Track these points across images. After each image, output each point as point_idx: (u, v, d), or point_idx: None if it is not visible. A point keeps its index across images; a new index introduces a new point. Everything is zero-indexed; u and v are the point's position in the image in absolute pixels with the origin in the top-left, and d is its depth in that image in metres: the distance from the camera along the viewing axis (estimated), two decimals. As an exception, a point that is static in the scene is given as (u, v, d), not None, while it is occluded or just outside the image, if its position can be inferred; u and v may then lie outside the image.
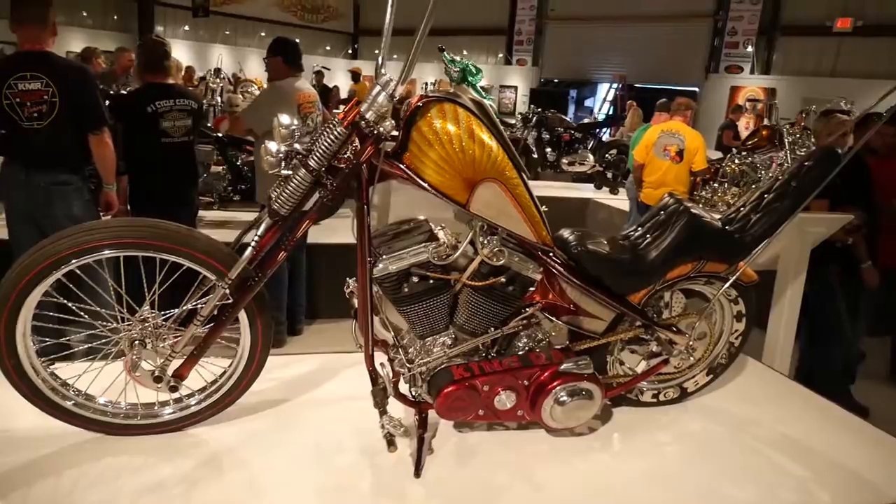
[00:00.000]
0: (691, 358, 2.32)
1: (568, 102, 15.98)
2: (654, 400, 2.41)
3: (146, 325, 1.83)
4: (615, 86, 14.79)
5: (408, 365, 1.98)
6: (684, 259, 2.12)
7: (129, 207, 3.91)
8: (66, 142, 3.25)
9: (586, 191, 8.31)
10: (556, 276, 2.03)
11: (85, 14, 16.31)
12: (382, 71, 1.76)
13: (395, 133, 1.78)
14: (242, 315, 1.91)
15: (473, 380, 1.95)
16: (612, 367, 2.29)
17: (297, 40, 4.10)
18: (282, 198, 1.77)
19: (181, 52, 16.86)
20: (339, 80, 20.79)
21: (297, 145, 1.79)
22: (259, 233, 1.81)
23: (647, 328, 2.18)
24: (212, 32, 18.76)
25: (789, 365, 3.20)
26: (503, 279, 1.97)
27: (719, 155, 7.83)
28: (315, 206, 1.80)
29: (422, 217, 2.05)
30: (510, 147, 1.85)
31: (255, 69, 17.51)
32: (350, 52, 21.94)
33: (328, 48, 21.26)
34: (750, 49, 13.54)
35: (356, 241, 1.87)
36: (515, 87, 17.68)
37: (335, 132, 1.74)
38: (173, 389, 1.86)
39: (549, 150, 8.16)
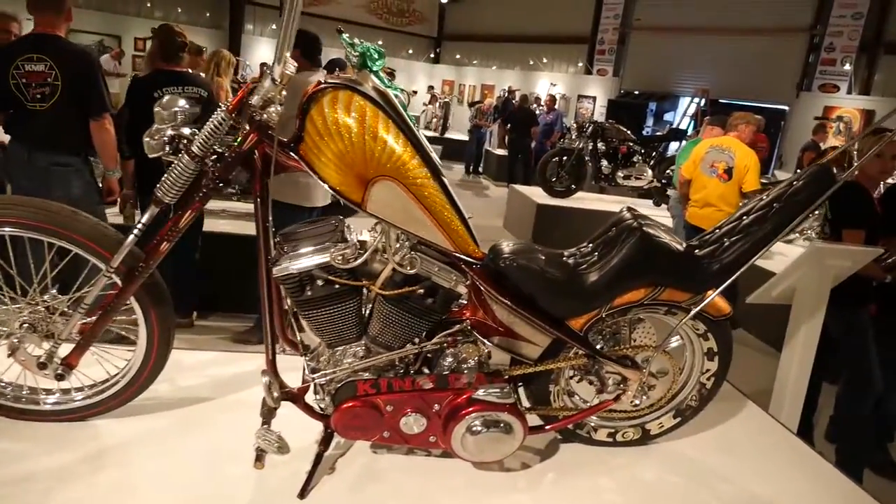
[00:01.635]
0: (647, 397, 2.04)
1: (646, 115, 15.36)
2: (610, 440, 2.15)
3: (36, 308, 1.76)
4: (696, 100, 14.03)
5: (312, 374, 1.83)
6: (634, 283, 1.86)
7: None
8: (68, 124, 3.30)
9: (643, 207, 7.86)
10: (483, 293, 1.82)
11: (180, 10, 17.14)
12: (288, 55, 1.59)
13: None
14: (137, 308, 1.81)
15: (376, 398, 1.77)
16: (557, 399, 2.05)
17: (317, 34, 4.03)
18: (166, 184, 1.66)
19: (267, 49, 17.44)
20: (420, 83, 20.97)
21: (185, 130, 1.68)
22: (144, 220, 1.71)
23: (591, 359, 1.93)
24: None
25: (798, 417, 2.81)
26: (421, 290, 1.79)
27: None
28: (199, 195, 1.68)
29: (341, 217, 1.88)
30: (420, 143, 1.66)
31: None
32: (432, 56, 22.04)
33: (409, 52, 21.44)
34: (848, 67, 12.52)
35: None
36: (594, 98, 17.18)
37: (218, 118, 1.62)
38: (59, 378, 1.79)
39: (604, 162, 7.79)
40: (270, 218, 1.75)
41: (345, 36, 1.65)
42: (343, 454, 1.95)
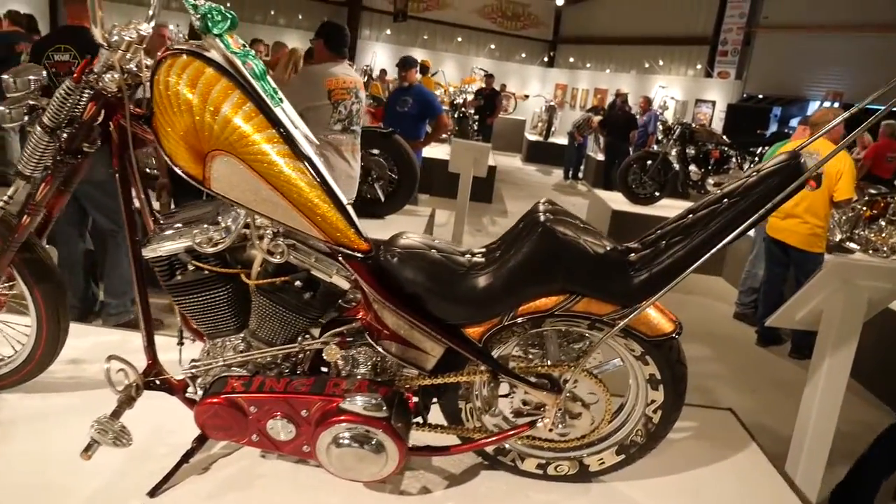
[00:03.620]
0: (573, 426, 1.73)
1: (769, 121, 14.06)
2: (540, 471, 1.85)
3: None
4: (828, 104, 12.67)
5: (186, 365, 1.70)
6: (536, 288, 1.57)
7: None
8: None
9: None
10: (365, 290, 1.61)
11: (301, 17, 17.98)
12: (100, 14, 1.47)
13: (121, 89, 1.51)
14: (22, 285, 1.77)
15: (238, 396, 1.61)
16: (470, 418, 1.79)
17: (343, 26, 3.95)
18: (24, 157, 1.59)
19: (382, 54, 17.87)
20: (532, 87, 20.63)
21: (44, 101, 1.61)
22: (9, 193, 1.65)
23: (492, 375, 1.65)
24: (412, 36, 19.63)
25: (818, 481, 2.31)
26: (299, 283, 1.61)
27: None
28: (53, 167, 1.61)
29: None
30: (276, 118, 1.48)
31: (450, 73, 18.03)
32: (546, 59, 21.61)
33: (523, 55, 21.15)
34: None
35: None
36: (713, 103, 16.03)
37: (64, 88, 1.53)
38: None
39: (693, 167, 7.15)
40: (141, 195, 1.64)
41: (188, -1, 1.50)
42: (228, 455, 1.81)
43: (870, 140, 9.80)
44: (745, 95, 15.27)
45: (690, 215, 1.57)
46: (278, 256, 1.57)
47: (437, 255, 1.61)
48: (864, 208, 5.42)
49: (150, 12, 1.56)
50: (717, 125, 15.67)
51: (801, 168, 1.45)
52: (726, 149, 7.11)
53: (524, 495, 1.80)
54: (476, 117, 10.44)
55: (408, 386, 1.69)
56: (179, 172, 1.47)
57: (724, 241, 1.47)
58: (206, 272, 1.60)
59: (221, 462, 1.78)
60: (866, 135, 10.11)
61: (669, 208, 7.22)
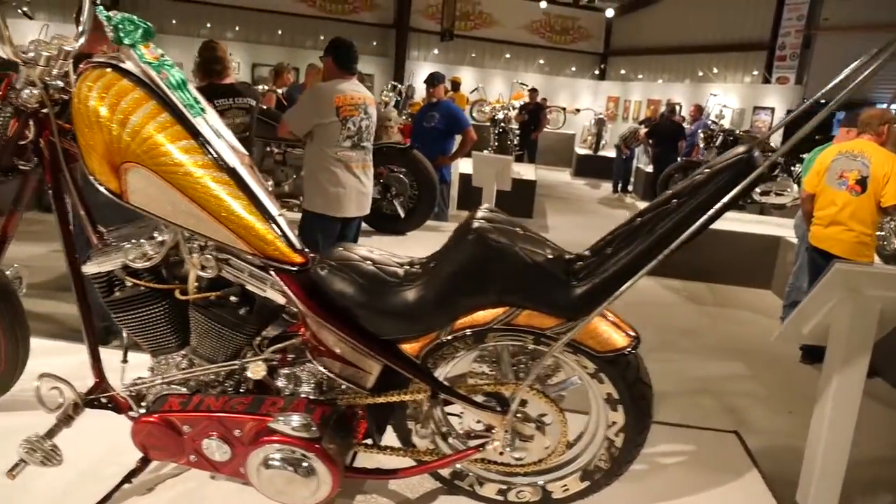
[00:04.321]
0: (526, 450, 1.60)
1: (833, 126, 13.32)
2: (500, 497, 1.73)
3: None
4: (893, 107, 11.94)
5: (126, 383, 1.68)
6: (472, 301, 1.46)
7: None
8: None
9: (789, 227, 6.78)
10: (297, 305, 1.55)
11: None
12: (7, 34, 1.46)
13: (44, 104, 1.50)
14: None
15: (172, 415, 1.57)
16: (422, 439, 1.69)
17: (352, 43, 3.95)
18: (-40, 173, 1.61)
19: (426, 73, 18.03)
20: (584, 100, 20.35)
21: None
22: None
23: (433, 394, 1.55)
24: (460, 55, 19.72)
25: None
26: (234, 298, 1.57)
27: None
28: None
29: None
30: (195, 129, 1.44)
31: (497, 89, 18.01)
32: (597, 72, 21.30)
33: (573, 69, 20.93)
34: None
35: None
36: (772, 109, 15.37)
37: None
38: None
39: (738, 176, 6.81)
40: (80, 211, 1.63)
41: (100, 9, 1.48)
42: (175, 476, 1.77)
43: (939, 142, 9.16)
44: (805, 101, 14.58)
45: (639, 219, 1.44)
46: (210, 271, 1.53)
47: (369, 268, 1.53)
48: (922, 214, 5.02)
49: (80, 28, 1.55)
50: (777, 133, 15.02)
51: (754, 162, 1.30)
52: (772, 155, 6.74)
53: (479, 525, 1.68)
54: (518, 132, 10.29)
55: (348, 405, 1.60)
56: (99, 187, 1.44)
57: (671, 246, 1.33)
58: (143, 288, 1.58)
59: (168, 483, 1.74)
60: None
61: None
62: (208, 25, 17.04)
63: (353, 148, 3.84)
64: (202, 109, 1.50)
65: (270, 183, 4.85)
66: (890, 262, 5.28)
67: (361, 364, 1.55)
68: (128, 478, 1.66)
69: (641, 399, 1.54)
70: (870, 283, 1.90)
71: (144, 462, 1.69)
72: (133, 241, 1.56)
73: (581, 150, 15.93)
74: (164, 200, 1.43)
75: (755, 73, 15.91)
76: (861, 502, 2.94)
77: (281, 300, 1.56)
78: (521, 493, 1.70)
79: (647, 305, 5.62)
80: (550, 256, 1.45)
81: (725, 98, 16.34)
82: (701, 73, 17.06)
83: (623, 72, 20.36)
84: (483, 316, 1.47)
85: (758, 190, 6.83)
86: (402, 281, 1.50)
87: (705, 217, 1.31)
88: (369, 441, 1.69)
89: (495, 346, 1.55)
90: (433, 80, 6.33)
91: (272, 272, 1.52)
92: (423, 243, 4.65)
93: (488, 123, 11.15)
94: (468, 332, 1.48)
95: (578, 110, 19.08)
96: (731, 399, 3.92)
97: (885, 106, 12.34)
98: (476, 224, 1.45)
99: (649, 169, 12.42)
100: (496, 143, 9.42)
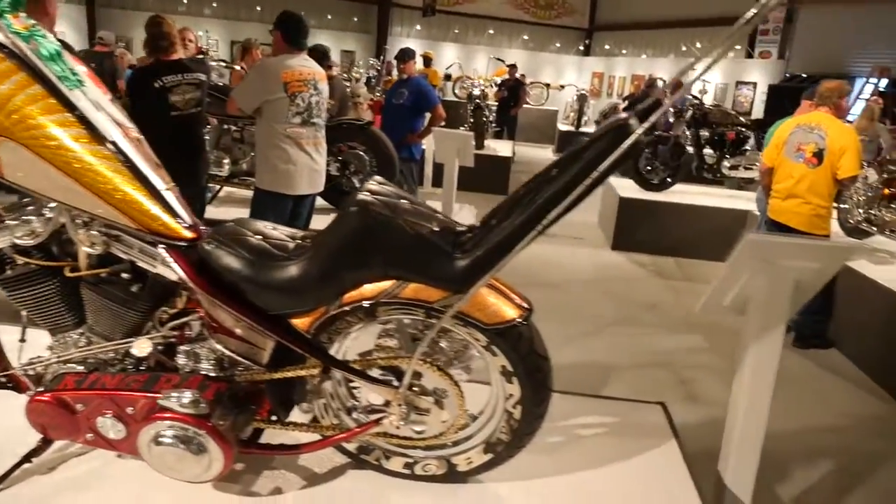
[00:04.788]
0: (424, 424, 1.60)
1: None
2: (408, 471, 1.73)
3: None
4: (873, 81, 11.91)
5: (22, 363, 1.66)
6: (357, 274, 1.45)
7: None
8: None
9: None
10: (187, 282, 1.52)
11: (330, 17, 18.11)
12: None
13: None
14: None
15: (65, 394, 1.56)
16: (325, 415, 1.68)
17: (302, 14, 3.87)
18: None
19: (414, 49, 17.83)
20: (569, 76, 20.21)
21: None
22: None
23: (324, 369, 1.54)
24: (443, 31, 19.51)
25: (751, 483, 2.09)
26: (126, 275, 1.54)
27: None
28: None
29: None
30: (69, 101, 1.40)
31: (482, 65, 17.82)
32: (582, 48, 21.13)
33: (558, 45, 20.75)
34: None
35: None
36: (754, 84, 15.33)
37: None
38: None
39: (708, 150, 6.81)
40: None
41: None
42: (81, 455, 1.76)
43: (910, 115, 9.16)
44: (787, 75, 14.53)
45: (521, 189, 1.42)
46: (97, 247, 1.50)
47: (257, 242, 1.51)
48: (882, 186, 5.02)
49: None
50: (759, 107, 14.99)
51: (628, 129, 1.28)
52: (743, 130, 6.74)
53: (385, 499, 1.68)
54: (497, 109, 10.15)
55: (246, 382, 1.59)
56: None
57: (552, 215, 1.32)
58: (33, 266, 1.55)
59: (72, 462, 1.73)
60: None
61: (683, 194, 6.90)
62: (184, 1, 16.76)
63: (304, 124, 3.79)
64: (79, 81, 1.46)
65: (227, 160, 4.80)
66: (853, 235, 5.30)
67: (254, 340, 1.53)
68: (27, 457, 1.65)
69: (537, 371, 1.54)
70: (783, 254, 1.89)
71: (46, 442, 1.68)
72: (22, 217, 1.53)
73: (563, 127, 15.86)
74: (39, 175, 1.40)
75: (738, 47, 15.82)
76: (795, 469, 2.98)
77: (171, 276, 1.54)
78: (427, 465, 1.70)
79: (612, 280, 5.64)
80: (436, 229, 1.43)
81: (708, 73, 16.25)
82: (684, 48, 16.95)
83: (607, 47, 20.23)
84: (371, 290, 1.45)
85: (727, 163, 6.83)
86: (288, 255, 1.48)
87: (582, 186, 1.29)
88: (274, 417, 1.68)
89: (389, 319, 1.54)
90: (404, 56, 6.22)
91: (161, 248, 1.49)
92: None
93: (465, 100, 11.06)
94: (357, 306, 1.47)
95: (563, 86, 18.95)
96: (686, 371, 3.95)
97: (866, 80, 12.34)
98: (360, 196, 1.43)
99: (629, 145, 12.37)
100: (471, 120, 9.34)
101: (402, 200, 1.48)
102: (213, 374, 1.59)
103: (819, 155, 4.22)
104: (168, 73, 3.83)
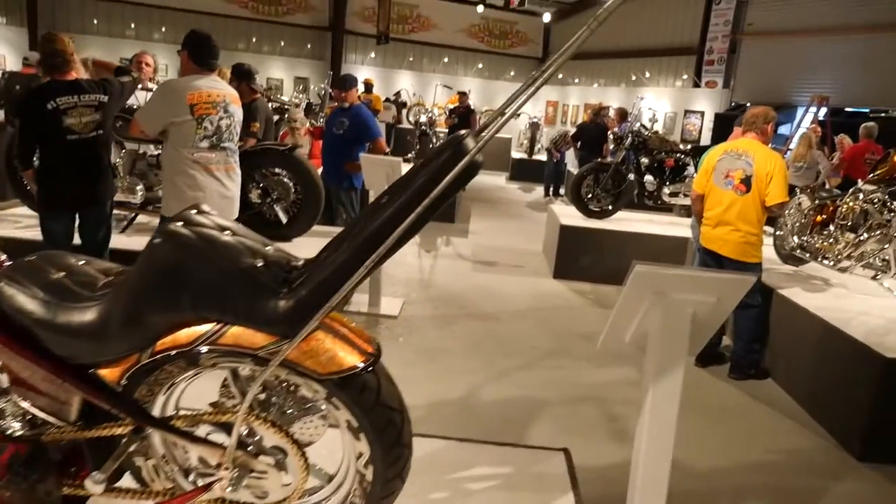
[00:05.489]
0: (262, 490, 1.39)
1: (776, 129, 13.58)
2: (259, 539, 1.50)
3: None
4: (812, 110, 12.23)
5: None
6: (167, 315, 1.25)
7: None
8: None
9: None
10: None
11: (283, 44, 17.96)
12: None
13: None
14: None
15: None
16: (155, 477, 1.46)
17: (210, 36, 3.67)
18: None
19: (366, 76, 17.76)
20: (525, 106, 20.33)
21: None
22: None
23: (136, 427, 1.33)
24: (398, 58, 19.53)
25: None
26: None
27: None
28: None
29: None
30: None
31: (439, 93, 17.81)
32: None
33: (512, 73, 20.97)
34: None
35: None
36: (702, 113, 15.64)
37: None
38: None
39: (649, 177, 6.79)
40: None
41: None
42: None
43: (849, 142, 9.37)
44: (732, 104, 14.87)
45: (360, 218, 1.25)
46: None
47: (57, 279, 1.30)
48: (814, 213, 5.02)
49: None
50: (707, 135, 15.26)
51: (463, 149, 1.12)
52: (682, 156, 6.74)
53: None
54: (432, 137, 10.02)
55: (54, 441, 1.36)
56: None
57: (386, 244, 1.14)
58: None
59: None
60: (846, 137, 9.69)
61: (626, 221, 6.86)
62: (132, 26, 16.43)
63: (213, 149, 3.59)
64: None
65: (140, 187, 4.54)
66: (788, 262, 5.28)
67: (58, 394, 1.32)
68: None
69: (387, 426, 1.35)
70: (675, 287, 1.76)
71: None
72: None
73: (517, 154, 15.91)
74: None
75: (685, 77, 16.18)
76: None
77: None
78: (277, 534, 1.49)
79: (550, 310, 5.50)
80: (260, 264, 1.24)
81: (658, 102, 16.58)
82: (634, 78, 17.26)
83: (560, 76, 20.46)
84: (186, 335, 1.25)
85: (667, 190, 6.82)
86: (92, 295, 1.28)
87: (415, 213, 1.12)
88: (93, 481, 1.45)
89: (218, 368, 1.34)
90: (344, 84, 6.05)
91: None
92: (310, 249, 4.41)
93: (413, 126, 10.99)
94: (173, 353, 1.26)
95: (518, 114, 19.10)
96: (618, 407, 3.79)
97: (806, 109, 12.66)
98: (170, 226, 1.24)
99: (579, 172, 12.43)
100: (418, 147, 9.23)
101: (224, 232, 1.29)
102: (20, 433, 1.36)
103: (747, 182, 4.17)
104: (62, 93, 3.61)
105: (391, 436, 1.35)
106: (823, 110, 12.33)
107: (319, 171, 6.23)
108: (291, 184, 4.56)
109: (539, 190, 13.23)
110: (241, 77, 5.28)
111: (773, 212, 4.19)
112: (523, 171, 14.88)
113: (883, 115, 4.94)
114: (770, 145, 11.16)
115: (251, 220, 4.61)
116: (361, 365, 1.28)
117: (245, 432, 1.34)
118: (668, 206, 7.08)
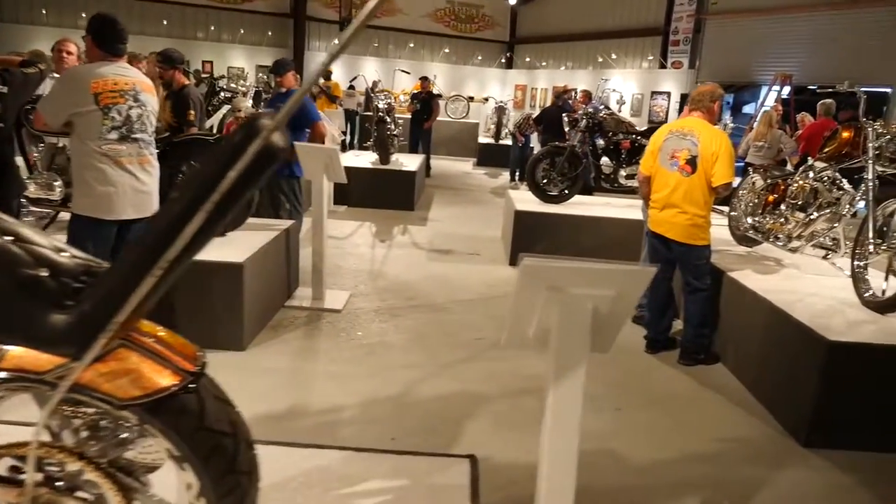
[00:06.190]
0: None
1: (722, 109, 13.54)
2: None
3: None
4: (775, 88, 12.19)
5: None
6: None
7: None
8: None
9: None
10: None
11: (242, 31, 17.53)
12: None
13: None
14: None
15: None
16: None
17: (116, 19, 3.43)
18: None
19: (334, 65, 17.37)
20: (492, 88, 20.16)
21: None
22: None
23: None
24: (363, 45, 19.16)
25: None
26: None
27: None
28: None
29: None
30: None
31: (404, 80, 17.50)
32: (504, 60, 21.16)
33: (479, 58, 20.73)
34: (964, 36, 10.27)
35: None
36: (668, 93, 15.56)
37: None
38: None
39: (605, 160, 6.66)
40: None
41: None
42: None
43: (810, 120, 9.32)
44: (698, 84, 14.80)
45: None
46: None
47: None
48: (767, 193, 4.92)
49: None
50: (673, 116, 15.19)
51: (256, 130, 0.94)
52: (639, 138, 6.61)
53: None
54: (388, 125, 9.53)
55: None
56: None
57: (173, 249, 0.96)
58: None
59: None
60: (807, 115, 9.65)
61: (583, 205, 6.72)
62: (84, 16, 15.88)
63: (123, 140, 3.36)
64: None
65: (59, 183, 4.29)
66: (742, 243, 5.18)
67: None
68: None
69: (214, 453, 1.17)
70: (569, 281, 1.60)
71: None
72: None
73: (484, 140, 15.73)
74: None
75: (650, 58, 16.08)
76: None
77: None
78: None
79: (502, 299, 5.35)
80: (44, 273, 1.05)
81: (625, 84, 16.47)
82: (601, 60, 17.12)
83: (528, 59, 20.31)
84: (-43, 358, 1.07)
85: (623, 172, 6.69)
86: None
87: (205, 209, 0.94)
88: None
89: (12, 396, 1.15)
90: (278, 69, 5.85)
91: None
92: (246, 243, 4.20)
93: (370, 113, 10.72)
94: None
95: (487, 99, 18.88)
96: (559, 398, 3.65)
97: (769, 88, 12.62)
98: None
99: (544, 156, 12.28)
100: (375, 135, 9.01)
101: (4, 237, 1.09)
102: None
103: (692, 162, 4.04)
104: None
105: (220, 464, 1.18)
106: (787, 89, 12.32)
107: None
108: (222, 175, 4.33)
109: (506, 175, 13.07)
110: (169, 63, 5.03)
111: (720, 192, 4.06)
112: (490, 157, 14.71)
113: (830, 90, 4.81)
114: (732, 124, 11.10)
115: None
116: (174, 385, 1.10)
117: (59, 468, 1.16)
118: (627, 189, 6.96)
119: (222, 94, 9.38)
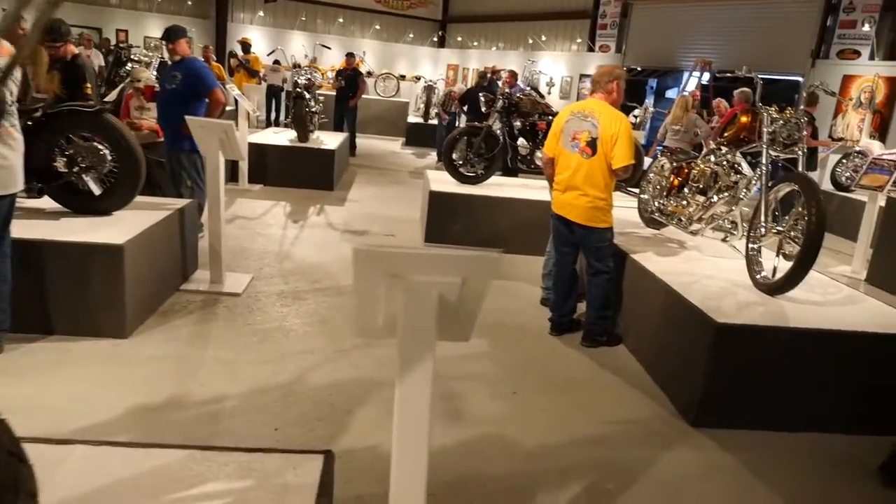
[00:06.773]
0: None
1: (646, 93, 13.84)
2: None
3: None
4: (696, 74, 12.48)
5: None
6: None
7: None
8: None
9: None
10: None
11: (160, 0, 16.68)
12: None
13: None
14: None
15: None
16: None
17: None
18: None
19: (257, 38, 16.75)
20: (424, 67, 19.93)
21: None
22: None
23: None
24: (290, 18, 18.58)
25: None
26: None
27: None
28: None
29: None
30: None
31: (332, 55, 17.03)
32: (436, 39, 20.93)
33: (411, 36, 20.43)
34: (867, 28, 10.73)
35: None
36: (596, 77, 15.77)
37: None
38: None
39: (521, 141, 6.61)
40: None
41: None
42: None
43: (726, 106, 9.57)
44: (624, 68, 15.04)
45: None
46: None
47: None
48: (672, 176, 4.97)
49: None
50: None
51: None
52: (553, 118, 6.58)
53: None
54: (309, 101, 9.21)
55: None
56: None
57: None
58: None
59: None
60: (722, 101, 9.90)
61: (498, 187, 6.67)
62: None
63: (-25, 110, 3.04)
64: None
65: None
66: (650, 226, 5.23)
67: None
68: None
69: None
70: (407, 267, 1.49)
71: None
72: None
73: (413, 119, 15.54)
74: None
75: (579, 41, 16.20)
76: (535, 498, 2.66)
77: None
78: None
79: (412, 281, 5.23)
80: None
81: (555, 66, 16.56)
82: (531, 41, 17.15)
83: (460, 39, 20.16)
84: None
85: (539, 154, 6.66)
86: None
87: None
88: None
89: None
90: (170, 35, 5.48)
91: None
92: (133, 223, 3.93)
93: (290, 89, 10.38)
94: None
95: (418, 78, 18.65)
96: (456, 384, 3.58)
97: (689, 73, 12.91)
98: None
99: (471, 137, 12.20)
100: (293, 111, 8.70)
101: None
102: None
103: (593, 144, 4.01)
104: None
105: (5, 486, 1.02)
106: (707, 75, 12.64)
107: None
108: (106, 150, 4.02)
109: (433, 155, 12.94)
110: (60, 38, 4.66)
111: (619, 175, 4.05)
112: (418, 136, 14.54)
113: (729, 75, 4.87)
114: (653, 108, 11.25)
115: (59, 191, 4.08)
116: None
117: None
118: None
119: (130, 65, 8.84)
